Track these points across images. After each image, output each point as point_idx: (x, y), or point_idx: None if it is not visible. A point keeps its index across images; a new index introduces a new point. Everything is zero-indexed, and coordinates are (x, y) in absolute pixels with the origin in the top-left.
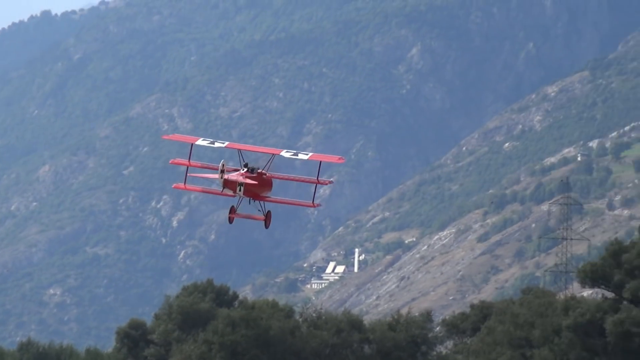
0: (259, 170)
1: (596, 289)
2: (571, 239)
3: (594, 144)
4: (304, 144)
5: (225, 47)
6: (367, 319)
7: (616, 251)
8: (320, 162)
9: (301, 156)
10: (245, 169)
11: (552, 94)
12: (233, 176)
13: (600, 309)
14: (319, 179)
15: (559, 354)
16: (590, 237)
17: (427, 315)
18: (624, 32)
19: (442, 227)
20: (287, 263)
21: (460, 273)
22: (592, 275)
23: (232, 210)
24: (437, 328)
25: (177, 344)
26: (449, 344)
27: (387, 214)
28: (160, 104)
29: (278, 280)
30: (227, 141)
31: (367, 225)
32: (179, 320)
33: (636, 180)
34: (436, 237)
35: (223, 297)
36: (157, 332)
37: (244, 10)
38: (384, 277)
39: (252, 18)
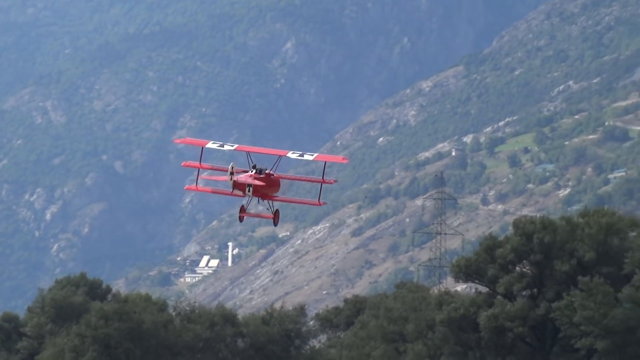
0: (266, 171)
1: (470, 284)
2: (445, 234)
3: (468, 139)
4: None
5: (99, 40)
6: (240, 313)
7: (490, 246)
8: (325, 162)
9: (307, 157)
10: (254, 171)
11: (427, 88)
12: (242, 178)
13: (474, 303)
14: (324, 178)
15: (432, 348)
16: (464, 232)
17: (301, 310)
18: (498, 27)
19: (316, 222)
20: (161, 257)
21: (334, 267)
22: (466, 270)
23: (242, 210)
24: (311, 322)
25: (50, 337)
26: (323, 338)
27: (261, 208)
28: (34, 97)
29: (151, 273)
30: (236, 144)
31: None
32: (52, 314)
33: (510, 176)
34: (310, 231)
35: (96, 291)
36: (30, 325)
37: (118, 4)
38: (258, 271)
39: (126, 11)
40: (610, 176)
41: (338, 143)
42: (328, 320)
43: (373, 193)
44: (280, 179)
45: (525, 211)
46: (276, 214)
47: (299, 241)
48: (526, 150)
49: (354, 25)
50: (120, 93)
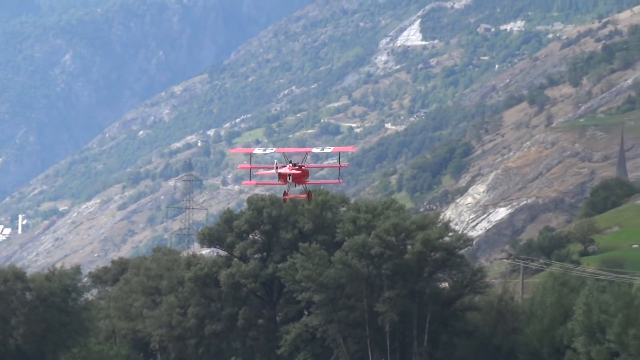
0: (299, 164)
1: (212, 249)
2: (192, 208)
3: (211, 132)
4: None
5: None
6: (28, 272)
7: (228, 218)
8: (340, 152)
9: (326, 150)
10: (290, 164)
11: (178, 92)
12: (284, 170)
13: (216, 264)
14: (340, 163)
15: (182, 300)
16: (208, 207)
17: (77, 269)
18: (235, 43)
19: (89, 198)
20: None
21: (104, 235)
22: (210, 238)
23: (285, 194)
24: (85, 279)
25: None
26: (95, 291)
27: (45, 187)
28: None
29: None
30: (275, 147)
31: (29, 196)
32: None
33: (245, 162)
34: (84, 206)
35: None
36: None
37: None
38: (42, 238)
39: None
40: (325, 163)
41: (107, 135)
42: (99, 278)
43: (135, 175)
44: (309, 169)
45: (257, 190)
46: (309, 194)
47: (76, 214)
48: (258, 142)
49: (119, 41)
50: None
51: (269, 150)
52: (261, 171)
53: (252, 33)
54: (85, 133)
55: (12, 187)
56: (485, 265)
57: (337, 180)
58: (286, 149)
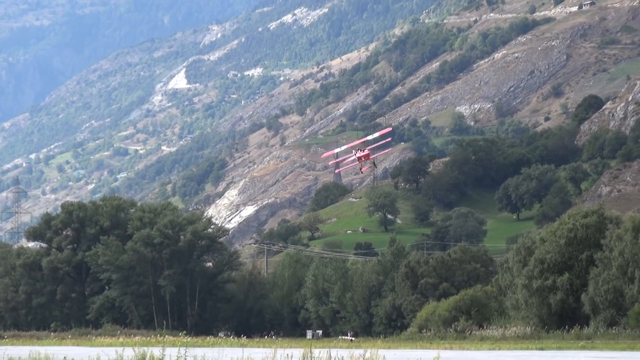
0: (365, 149)
1: (36, 242)
2: (20, 213)
3: (33, 156)
4: None
5: None
6: None
7: (47, 219)
8: (382, 133)
9: (375, 135)
10: (360, 150)
11: (7, 126)
12: (359, 153)
13: (39, 253)
14: (385, 140)
15: (14, 280)
16: (32, 212)
17: None
18: (49, 89)
19: None
20: None
21: None
22: (34, 234)
23: (362, 167)
24: None
25: None
26: None
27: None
28: None
29: None
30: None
31: None
32: None
33: (59, 177)
34: None
35: None
36: None
37: None
38: None
39: None
40: (118, 176)
41: None
42: None
43: None
44: (369, 150)
45: (68, 198)
46: (374, 163)
47: None
48: (67, 162)
49: None
50: None
51: (342, 148)
52: (347, 160)
53: (61, 82)
54: None
55: None
56: (239, 249)
57: (388, 150)
58: (352, 143)
